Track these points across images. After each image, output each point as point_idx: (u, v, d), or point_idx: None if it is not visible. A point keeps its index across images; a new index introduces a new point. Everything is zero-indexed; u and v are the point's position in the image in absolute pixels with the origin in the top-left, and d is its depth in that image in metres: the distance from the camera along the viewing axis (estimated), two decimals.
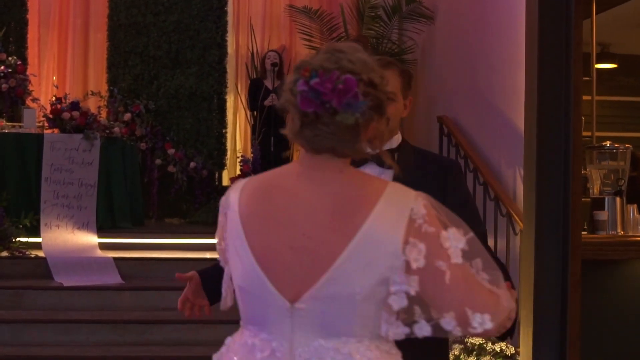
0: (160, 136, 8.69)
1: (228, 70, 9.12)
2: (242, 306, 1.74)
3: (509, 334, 2.17)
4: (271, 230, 1.66)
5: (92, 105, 8.49)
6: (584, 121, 4.06)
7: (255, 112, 8.43)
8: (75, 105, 7.30)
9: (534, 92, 3.67)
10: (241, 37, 9.65)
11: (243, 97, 9.21)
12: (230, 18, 9.28)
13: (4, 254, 6.25)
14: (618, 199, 4.28)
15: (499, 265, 1.76)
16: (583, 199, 3.85)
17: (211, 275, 2.32)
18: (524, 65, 3.88)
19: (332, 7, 9.12)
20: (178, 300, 2.13)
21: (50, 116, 7.31)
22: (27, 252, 6.32)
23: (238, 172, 8.20)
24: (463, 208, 2.40)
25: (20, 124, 7.56)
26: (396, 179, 1.83)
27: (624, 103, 8.25)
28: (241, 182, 1.78)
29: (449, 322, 1.62)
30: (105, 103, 8.71)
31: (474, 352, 4.54)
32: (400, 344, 2.09)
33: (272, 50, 8.67)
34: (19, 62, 8.06)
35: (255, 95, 8.26)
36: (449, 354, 2.56)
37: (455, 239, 1.62)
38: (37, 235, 6.63)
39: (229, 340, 1.79)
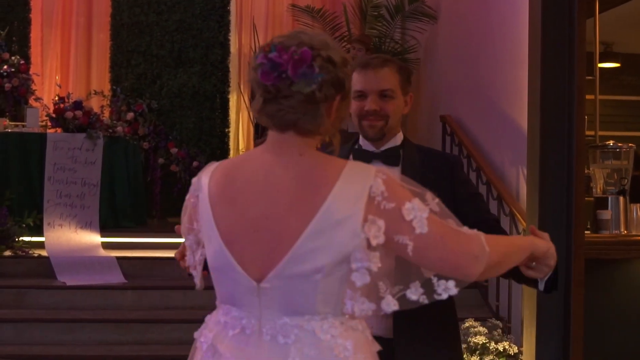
0: (163, 135, 8.69)
1: (231, 69, 9.13)
2: (216, 285, 1.81)
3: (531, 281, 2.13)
4: (236, 213, 1.72)
5: (95, 104, 8.49)
6: (587, 120, 4.06)
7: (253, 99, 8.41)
8: (78, 105, 7.31)
9: (537, 91, 3.67)
10: (244, 36, 9.65)
11: (246, 96, 9.21)
12: (232, 17, 9.29)
13: (7, 253, 6.25)
14: (621, 198, 4.28)
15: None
16: (586, 199, 3.85)
17: None
18: (527, 65, 3.87)
19: (335, 7, 9.12)
20: (175, 252, 2.14)
21: (53, 115, 7.32)
22: (30, 252, 6.32)
23: None
24: (476, 198, 2.44)
25: (23, 123, 7.57)
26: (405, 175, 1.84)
27: (627, 102, 8.24)
28: (213, 165, 1.83)
29: (414, 292, 1.70)
30: (108, 102, 8.72)
31: (477, 352, 4.54)
32: (405, 345, 2.10)
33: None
34: (21, 62, 8.06)
35: None
36: (461, 348, 2.57)
37: (419, 209, 1.65)
38: (40, 234, 6.64)
39: (207, 317, 1.85)
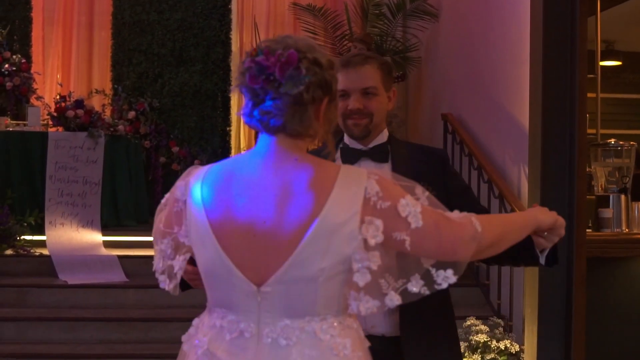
0: (164, 134, 8.70)
1: (232, 68, 9.12)
2: (208, 290, 1.81)
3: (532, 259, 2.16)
4: (233, 218, 1.73)
5: (96, 103, 8.51)
6: (589, 119, 4.05)
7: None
8: (79, 104, 7.31)
9: (539, 90, 3.66)
10: (245, 34, 9.65)
11: None
12: (234, 16, 9.29)
13: (9, 252, 6.26)
14: (623, 197, 4.28)
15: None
16: (588, 197, 3.84)
17: None
18: (528, 63, 3.87)
19: (336, 5, 9.12)
20: None
21: (55, 114, 7.32)
22: (31, 250, 6.33)
23: None
24: (467, 191, 2.45)
25: (24, 122, 7.57)
26: (396, 172, 1.87)
27: (629, 100, 8.23)
28: (200, 170, 1.84)
29: (414, 285, 1.73)
30: (110, 101, 8.73)
31: (479, 350, 4.54)
32: (413, 342, 2.10)
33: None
34: (23, 60, 8.07)
35: None
36: (460, 348, 2.58)
37: (412, 204, 1.69)
38: (42, 233, 6.65)
39: (196, 321, 1.87)
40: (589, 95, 3.78)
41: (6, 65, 7.92)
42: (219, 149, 8.89)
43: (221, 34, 8.98)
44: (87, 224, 6.86)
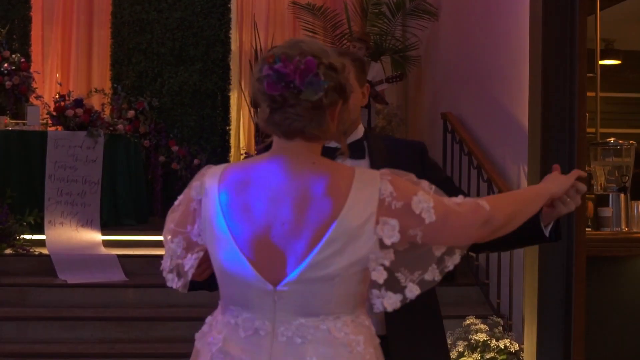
0: (164, 133, 8.69)
1: (232, 67, 9.11)
2: (223, 288, 1.83)
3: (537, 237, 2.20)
4: (251, 220, 1.75)
5: (95, 102, 8.49)
6: (588, 117, 4.05)
7: (258, 109, 8.41)
8: (79, 103, 7.30)
9: (538, 89, 3.67)
10: (245, 34, 9.64)
11: (247, 94, 9.21)
12: (233, 15, 9.28)
13: (8, 251, 6.26)
14: (622, 196, 4.28)
15: None
16: (587, 196, 3.84)
17: None
18: (528, 62, 3.87)
19: (336, 4, 9.11)
20: None
21: (54, 113, 7.31)
22: (31, 250, 6.33)
23: None
24: (447, 182, 2.44)
25: (24, 121, 7.57)
26: (374, 167, 1.92)
27: (629, 99, 8.22)
28: (217, 170, 1.84)
29: (430, 274, 1.78)
30: (109, 100, 8.71)
31: (478, 349, 4.54)
32: (399, 341, 2.11)
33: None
34: (22, 60, 8.06)
35: None
36: (447, 347, 2.59)
37: (424, 200, 1.73)
38: (41, 232, 6.64)
39: (209, 319, 1.88)
40: (589, 94, 3.79)
41: (5, 65, 7.90)
42: (218, 148, 8.89)
43: (220, 33, 8.97)
44: (87, 223, 6.86)
